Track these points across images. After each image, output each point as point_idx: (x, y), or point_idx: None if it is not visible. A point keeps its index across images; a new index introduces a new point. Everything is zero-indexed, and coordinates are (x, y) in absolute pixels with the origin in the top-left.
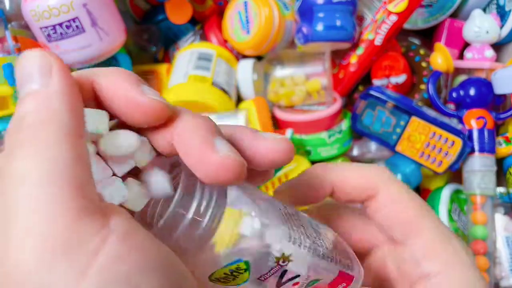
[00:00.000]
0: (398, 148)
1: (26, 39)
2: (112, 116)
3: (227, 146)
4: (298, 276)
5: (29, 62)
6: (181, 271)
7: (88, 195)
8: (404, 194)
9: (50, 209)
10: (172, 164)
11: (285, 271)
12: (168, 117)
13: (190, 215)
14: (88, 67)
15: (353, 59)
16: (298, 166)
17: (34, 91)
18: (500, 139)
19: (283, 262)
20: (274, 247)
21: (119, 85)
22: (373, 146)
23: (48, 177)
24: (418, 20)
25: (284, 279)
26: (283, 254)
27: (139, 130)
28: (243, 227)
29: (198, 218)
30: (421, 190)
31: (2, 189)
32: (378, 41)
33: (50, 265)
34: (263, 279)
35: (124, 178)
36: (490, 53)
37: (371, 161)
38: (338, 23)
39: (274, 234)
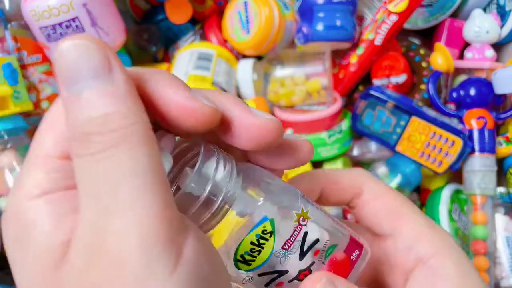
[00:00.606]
0: (398, 148)
1: (26, 39)
2: (158, 120)
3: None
4: (317, 241)
5: (89, 53)
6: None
7: (170, 199)
8: (387, 190)
9: (147, 211)
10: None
11: (306, 233)
12: (219, 120)
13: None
14: None
15: (353, 59)
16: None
17: (101, 88)
18: (500, 139)
19: (303, 220)
20: (295, 204)
21: (171, 90)
22: (373, 146)
23: (145, 181)
24: (418, 20)
25: (306, 246)
26: (302, 210)
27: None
28: (263, 187)
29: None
30: (421, 190)
31: (104, 184)
32: (378, 41)
33: (150, 257)
34: (287, 247)
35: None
36: (490, 53)
37: (371, 161)
38: (338, 23)
39: (293, 194)
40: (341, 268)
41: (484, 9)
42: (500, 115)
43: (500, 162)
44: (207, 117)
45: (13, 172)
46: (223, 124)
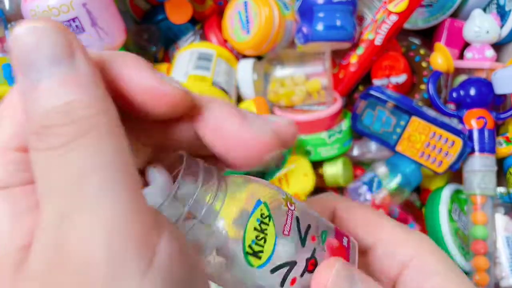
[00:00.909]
0: (398, 148)
1: None
2: (122, 105)
3: (260, 125)
4: (310, 226)
5: (48, 37)
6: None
7: (141, 195)
8: (359, 205)
9: (116, 207)
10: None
11: (298, 218)
12: (192, 106)
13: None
14: None
15: (353, 59)
16: (298, 167)
17: (62, 75)
18: (500, 139)
19: (290, 205)
20: (279, 190)
21: (138, 73)
22: (373, 146)
23: (112, 175)
24: (418, 20)
25: (302, 231)
26: (287, 195)
27: (163, 124)
28: (245, 181)
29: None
30: (421, 190)
31: (67, 180)
32: (378, 41)
33: (119, 260)
34: (287, 232)
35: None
36: (490, 53)
37: (371, 161)
38: (338, 23)
39: (273, 187)
40: (340, 254)
41: (484, 9)
42: (500, 115)
43: (500, 162)
44: (178, 101)
45: None
46: (214, 134)
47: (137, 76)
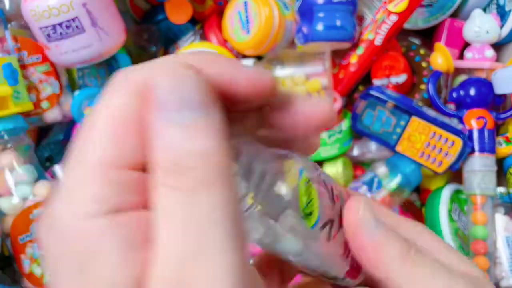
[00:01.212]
0: (398, 148)
1: (26, 39)
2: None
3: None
4: (332, 188)
5: (195, 84)
6: None
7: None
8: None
9: (236, 257)
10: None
11: (324, 181)
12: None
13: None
14: (88, 67)
15: (353, 59)
16: None
17: (203, 121)
18: (500, 139)
19: (317, 169)
20: (305, 159)
21: (236, 70)
22: (373, 146)
23: (233, 227)
24: (418, 20)
25: (329, 191)
26: (312, 162)
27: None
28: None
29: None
30: (421, 190)
31: (194, 221)
32: (378, 41)
33: None
34: (322, 195)
35: None
36: (490, 53)
37: (371, 161)
38: (338, 23)
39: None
40: None
41: (484, 9)
42: (500, 115)
43: (500, 162)
44: (272, 84)
45: (13, 172)
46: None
47: (237, 71)
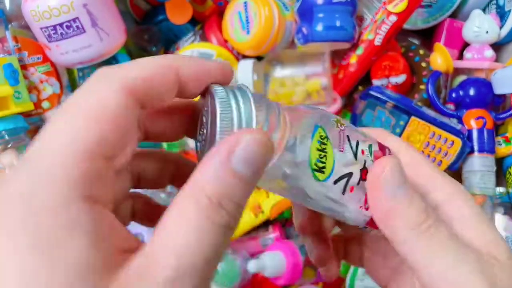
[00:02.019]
0: None
1: (27, 39)
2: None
3: None
4: (358, 142)
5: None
6: None
7: None
8: (404, 146)
9: None
10: None
11: (348, 136)
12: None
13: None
14: (88, 67)
15: (353, 59)
16: None
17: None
18: (499, 139)
19: (341, 126)
20: (330, 114)
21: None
22: None
23: None
24: (418, 20)
25: (353, 147)
26: (337, 118)
27: None
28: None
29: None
30: None
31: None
32: (377, 41)
33: None
34: (342, 149)
35: None
36: (489, 53)
37: None
38: (337, 23)
39: (323, 111)
40: None
41: (484, 10)
42: (499, 115)
43: (500, 162)
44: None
45: None
46: None
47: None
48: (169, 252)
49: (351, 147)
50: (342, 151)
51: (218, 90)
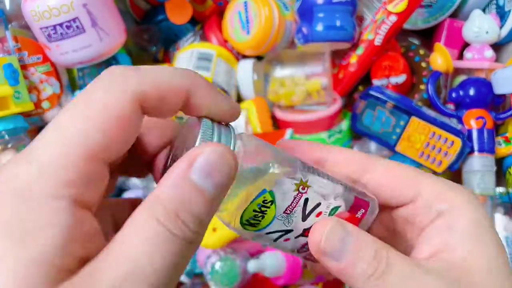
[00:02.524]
0: (398, 148)
1: (27, 39)
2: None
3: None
4: (319, 204)
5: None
6: None
7: None
8: (398, 163)
9: None
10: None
11: (307, 199)
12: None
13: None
14: (88, 67)
15: (353, 59)
16: None
17: None
18: (499, 139)
19: (303, 189)
20: (294, 175)
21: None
22: (372, 146)
23: None
24: (418, 20)
25: (308, 210)
26: (301, 180)
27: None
28: (263, 162)
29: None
30: None
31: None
32: (377, 41)
33: None
34: (289, 211)
35: None
36: (489, 53)
37: None
38: (338, 23)
39: (292, 165)
40: None
41: (484, 10)
42: (499, 115)
43: (500, 162)
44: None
45: None
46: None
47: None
48: (119, 258)
49: (304, 210)
50: (288, 213)
51: (205, 121)
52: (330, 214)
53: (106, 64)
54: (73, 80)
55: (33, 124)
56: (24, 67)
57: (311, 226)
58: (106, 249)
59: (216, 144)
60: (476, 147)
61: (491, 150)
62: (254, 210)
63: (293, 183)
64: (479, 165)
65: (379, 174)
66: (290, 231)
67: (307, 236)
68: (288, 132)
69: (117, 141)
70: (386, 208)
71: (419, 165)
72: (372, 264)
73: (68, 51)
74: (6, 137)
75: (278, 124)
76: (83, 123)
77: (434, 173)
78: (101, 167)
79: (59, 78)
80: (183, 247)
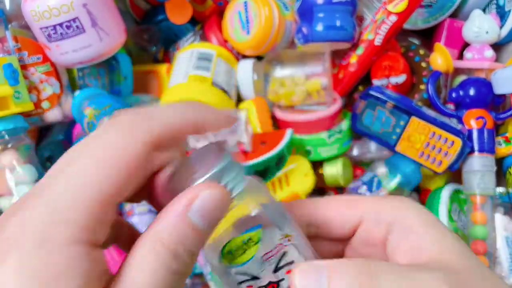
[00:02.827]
0: (398, 148)
1: (27, 39)
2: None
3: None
4: (292, 262)
5: None
6: None
7: None
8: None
9: None
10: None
11: (285, 253)
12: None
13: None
14: (88, 67)
15: (353, 59)
16: (298, 167)
17: None
18: (499, 139)
19: (286, 242)
20: (284, 226)
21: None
22: (373, 146)
23: None
24: (418, 20)
25: (282, 263)
26: (287, 234)
27: None
28: (263, 199)
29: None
30: (421, 190)
31: None
32: (377, 41)
33: None
34: (266, 258)
35: None
36: (489, 53)
37: (370, 161)
38: (338, 23)
39: (285, 217)
40: None
41: (484, 10)
42: (499, 115)
43: (500, 162)
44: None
45: (13, 172)
46: None
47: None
48: None
49: (278, 262)
50: (265, 260)
51: (225, 159)
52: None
53: (106, 64)
54: (73, 80)
55: (33, 124)
56: (24, 67)
57: (277, 282)
58: (115, 282)
59: (213, 185)
60: (476, 147)
61: (491, 150)
62: (239, 243)
63: (280, 234)
64: (479, 165)
65: (326, 211)
66: (257, 278)
67: None
68: (288, 132)
69: (131, 184)
70: (343, 242)
71: (419, 165)
72: (360, 280)
73: (68, 51)
74: (6, 137)
75: (278, 124)
76: (97, 169)
77: (435, 173)
78: (114, 208)
79: (59, 78)
80: (179, 279)
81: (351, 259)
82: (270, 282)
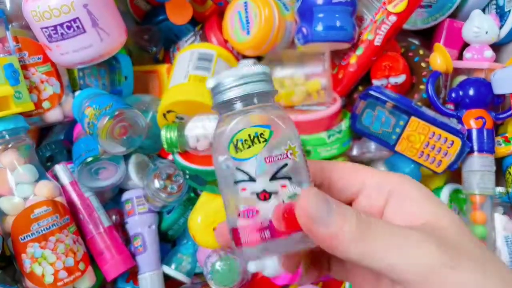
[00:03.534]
0: (398, 148)
1: (27, 39)
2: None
3: None
4: (290, 178)
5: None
6: None
7: None
8: (344, 162)
9: None
10: None
11: (286, 164)
12: None
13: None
14: (89, 67)
15: (353, 59)
16: None
17: None
18: (499, 139)
19: (290, 154)
20: (293, 138)
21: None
22: (372, 146)
23: None
24: (418, 21)
25: (280, 174)
26: (295, 147)
27: None
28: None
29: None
30: None
31: None
32: (377, 42)
33: None
34: (268, 161)
35: None
36: (489, 53)
37: (370, 161)
38: (337, 23)
39: (296, 134)
40: (292, 222)
41: (483, 10)
42: (499, 115)
43: (499, 162)
44: None
45: (14, 172)
46: None
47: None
48: None
49: (276, 171)
50: (266, 163)
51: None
52: (289, 196)
53: (107, 64)
54: (73, 80)
55: (33, 124)
56: (24, 67)
57: (270, 192)
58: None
59: None
60: (475, 147)
61: (491, 150)
62: (249, 135)
63: (288, 142)
64: (478, 165)
65: (329, 169)
66: (253, 181)
67: (261, 199)
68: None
69: None
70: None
71: (418, 165)
72: (358, 225)
73: (69, 51)
74: (7, 137)
75: None
76: None
77: (434, 173)
78: None
79: (59, 78)
80: None
81: (356, 210)
82: (263, 190)
